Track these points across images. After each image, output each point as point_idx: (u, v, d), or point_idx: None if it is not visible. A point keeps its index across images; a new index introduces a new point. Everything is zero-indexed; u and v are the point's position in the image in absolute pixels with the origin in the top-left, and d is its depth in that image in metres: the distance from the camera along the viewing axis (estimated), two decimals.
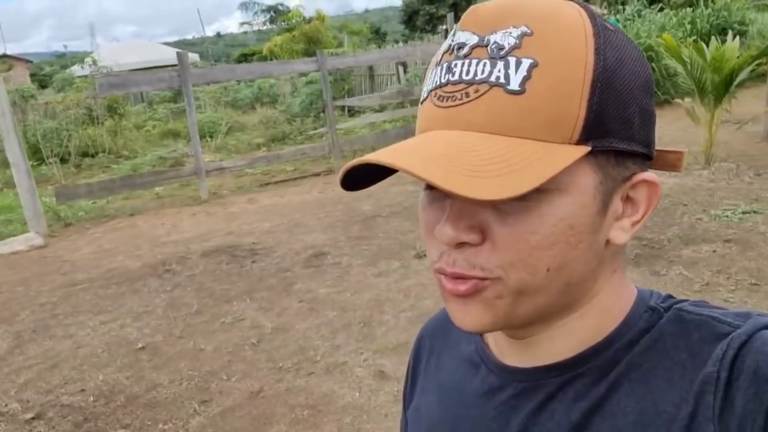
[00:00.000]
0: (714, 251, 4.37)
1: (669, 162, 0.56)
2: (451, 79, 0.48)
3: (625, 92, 0.48)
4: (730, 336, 0.47)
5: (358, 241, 5.62)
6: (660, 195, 0.52)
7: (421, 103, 0.52)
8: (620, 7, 16.50)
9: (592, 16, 0.48)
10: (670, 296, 0.56)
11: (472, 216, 0.48)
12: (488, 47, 0.47)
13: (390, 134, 9.71)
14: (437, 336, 0.72)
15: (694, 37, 8.23)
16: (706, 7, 13.60)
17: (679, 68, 6.29)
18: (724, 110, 6.39)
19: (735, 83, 6.16)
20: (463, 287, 0.50)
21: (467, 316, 0.51)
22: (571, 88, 0.46)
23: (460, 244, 0.49)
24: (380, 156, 0.45)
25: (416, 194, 5.78)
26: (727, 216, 5.00)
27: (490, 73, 0.46)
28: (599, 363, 0.53)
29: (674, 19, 13.46)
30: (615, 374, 0.52)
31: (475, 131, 0.46)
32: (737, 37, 6.46)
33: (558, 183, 0.46)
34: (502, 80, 0.46)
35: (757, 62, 6.09)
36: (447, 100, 0.48)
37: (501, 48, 0.46)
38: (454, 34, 0.50)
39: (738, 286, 3.78)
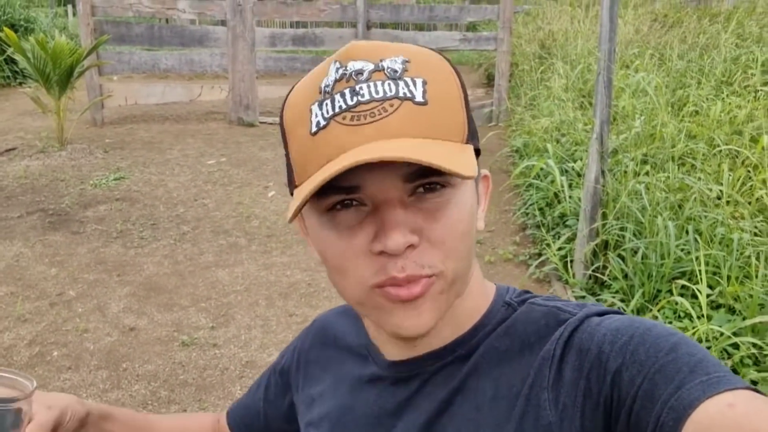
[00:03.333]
0: (111, 209, 5.44)
1: None
2: (361, 99, 0.52)
3: (468, 103, 0.58)
4: (567, 321, 0.57)
5: None
6: (490, 186, 0.63)
7: (315, 134, 0.53)
8: None
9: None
10: (525, 292, 0.64)
11: (406, 222, 0.52)
12: (384, 71, 0.53)
13: None
14: (315, 348, 0.78)
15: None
16: None
17: (23, 60, 6.83)
18: (68, 98, 7.34)
19: (74, 75, 7.20)
20: (417, 289, 0.53)
21: (420, 319, 0.54)
22: (455, 99, 0.55)
23: (407, 249, 0.52)
24: (376, 154, 0.48)
25: None
26: (104, 183, 6.11)
27: (397, 90, 0.52)
28: (464, 351, 0.60)
29: None
30: (475, 359, 0.59)
31: (406, 137, 0.51)
32: (62, 35, 7.46)
33: (459, 180, 0.54)
34: (408, 95, 0.52)
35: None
36: (364, 118, 0.51)
37: (395, 71, 0.53)
38: (342, 65, 0.54)
39: (138, 226, 5.00)
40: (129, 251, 4.55)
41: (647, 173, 3.49)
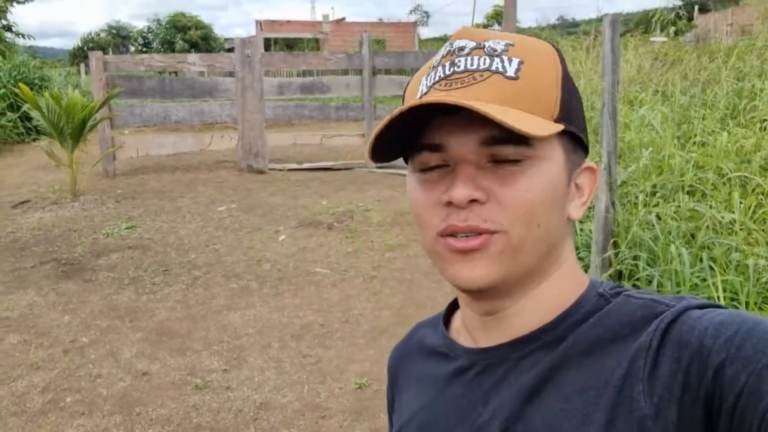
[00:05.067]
0: (123, 256, 5.47)
1: None
2: (456, 70, 0.58)
3: (577, 95, 0.62)
4: (664, 313, 0.55)
5: None
6: (599, 180, 0.62)
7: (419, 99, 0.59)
8: None
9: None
10: (618, 285, 0.63)
11: (477, 180, 0.57)
12: (485, 48, 0.59)
13: None
14: (404, 358, 0.79)
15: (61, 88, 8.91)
16: (7, 61, 14.20)
17: (37, 115, 7.00)
18: (81, 151, 7.48)
19: (87, 128, 7.36)
20: (475, 242, 0.57)
21: (473, 272, 0.58)
22: (550, 79, 0.59)
23: (470, 203, 0.56)
24: (443, 99, 0.55)
25: None
26: (116, 232, 6.16)
27: (491, 64, 0.58)
28: (551, 338, 0.60)
29: None
30: (564, 347, 0.59)
31: (489, 103, 0.55)
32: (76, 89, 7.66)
33: (543, 151, 0.58)
34: (500, 69, 0.57)
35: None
36: (455, 83, 0.58)
37: (494, 50, 0.59)
38: (450, 44, 0.61)
39: (150, 273, 5.02)
40: (141, 297, 4.55)
41: (657, 204, 3.49)
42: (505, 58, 0.58)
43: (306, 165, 9.32)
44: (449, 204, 0.57)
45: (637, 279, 3.18)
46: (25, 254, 5.61)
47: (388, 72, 9.19)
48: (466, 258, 0.58)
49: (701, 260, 2.98)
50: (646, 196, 3.61)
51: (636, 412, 0.52)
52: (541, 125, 0.56)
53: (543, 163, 0.58)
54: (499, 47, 0.59)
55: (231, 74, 9.53)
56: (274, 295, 4.54)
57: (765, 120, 4.64)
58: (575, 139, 0.61)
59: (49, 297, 4.59)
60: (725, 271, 2.83)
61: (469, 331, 0.68)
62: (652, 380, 0.52)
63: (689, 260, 2.97)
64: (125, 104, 8.83)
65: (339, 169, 9.20)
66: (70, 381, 3.39)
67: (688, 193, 3.69)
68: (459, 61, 0.59)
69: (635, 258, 3.26)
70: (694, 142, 4.49)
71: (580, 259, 3.94)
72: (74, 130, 7.15)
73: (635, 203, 3.56)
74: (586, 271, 3.69)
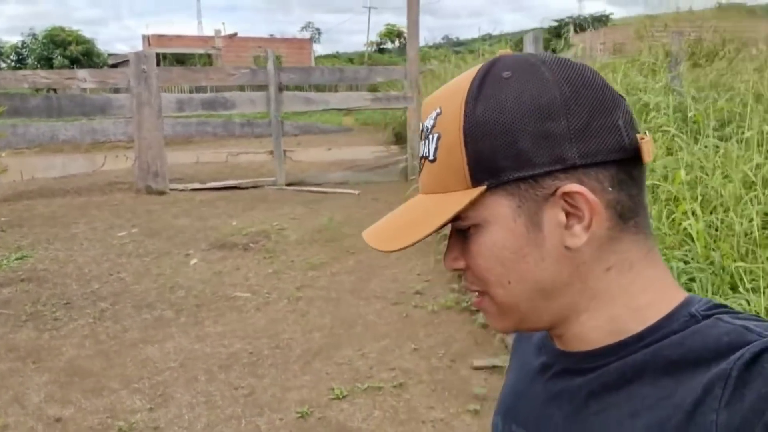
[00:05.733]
0: (17, 290, 4.97)
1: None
2: (419, 156, 0.63)
3: (507, 131, 0.56)
4: (753, 342, 0.50)
5: None
6: (594, 199, 0.56)
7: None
8: None
9: (485, 72, 0.58)
10: (719, 306, 0.58)
11: (454, 250, 0.62)
12: (423, 131, 0.61)
13: None
14: (520, 338, 0.82)
15: None
16: None
17: None
18: None
19: None
20: (475, 301, 0.64)
21: (489, 321, 0.65)
22: (454, 147, 0.57)
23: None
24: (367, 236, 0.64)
25: None
26: (5, 264, 5.59)
27: (424, 150, 0.61)
28: (626, 353, 0.58)
29: None
30: (641, 362, 0.56)
31: (422, 194, 0.63)
32: None
33: (480, 218, 0.58)
34: (427, 154, 0.60)
35: None
36: (419, 172, 0.64)
37: (427, 129, 0.61)
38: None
39: (50, 307, 4.59)
40: (43, 335, 4.14)
41: None
42: (431, 137, 0.60)
43: (210, 184, 8.97)
44: None
45: None
46: None
47: (297, 88, 9.07)
48: (482, 311, 0.65)
49: None
50: None
51: None
52: (440, 212, 0.58)
53: (485, 228, 0.59)
54: (430, 123, 0.60)
55: (117, 90, 9.02)
56: (194, 324, 4.28)
57: (659, 130, 4.99)
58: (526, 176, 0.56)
59: None
60: None
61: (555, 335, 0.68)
62: (730, 412, 0.48)
63: None
64: (6, 124, 8.08)
65: (246, 188, 8.92)
66: None
67: None
68: (420, 145, 0.63)
69: None
70: None
71: None
72: None
73: None
74: None
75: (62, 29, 34.83)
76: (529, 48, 3.26)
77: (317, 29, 64.11)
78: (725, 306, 0.58)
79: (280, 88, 8.66)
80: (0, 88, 8.22)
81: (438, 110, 0.59)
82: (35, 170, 8.58)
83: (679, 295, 0.60)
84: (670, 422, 0.52)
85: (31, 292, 4.93)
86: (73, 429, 3.04)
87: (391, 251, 0.60)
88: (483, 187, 0.56)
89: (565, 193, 0.56)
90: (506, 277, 0.59)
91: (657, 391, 0.54)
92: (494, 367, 3.40)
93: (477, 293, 0.63)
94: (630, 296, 0.59)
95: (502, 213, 0.57)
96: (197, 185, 8.93)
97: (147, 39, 28.59)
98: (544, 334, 0.69)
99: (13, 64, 39.13)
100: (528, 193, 0.56)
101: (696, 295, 0.61)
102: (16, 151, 8.78)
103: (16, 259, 5.73)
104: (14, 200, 8.33)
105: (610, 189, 0.56)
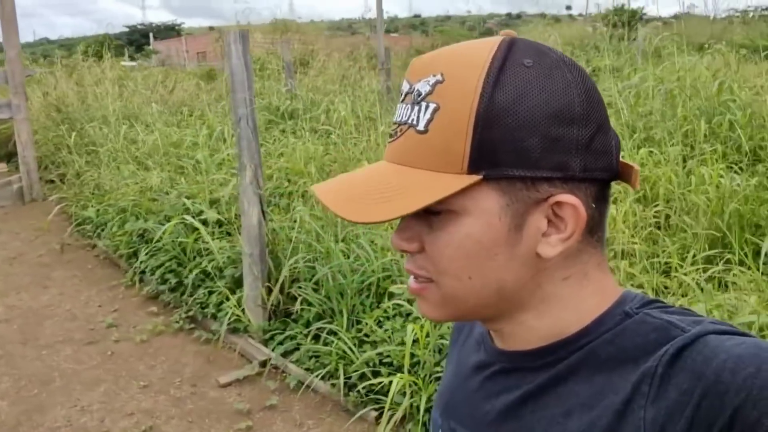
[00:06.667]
0: None
1: (627, 176, 0.58)
2: (395, 119, 0.58)
3: (521, 126, 0.52)
4: (676, 338, 0.51)
5: None
6: (584, 214, 0.55)
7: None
8: None
9: (505, 54, 0.54)
10: (653, 301, 0.59)
11: (412, 229, 0.58)
12: (413, 94, 0.56)
13: None
14: (464, 327, 0.80)
15: None
16: None
17: None
18: None
19: None
20: (416, 287, 0.60)
21: (422, 308, 0.62)
22: (458, 126, 0.52)
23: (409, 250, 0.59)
24: (319, 190, 0.59)
25: None
26: None
27: (410, 116, 0.55)
28: (564, 353, 0.58)
29: None
30: (575, 361, 0.57)
31: (393, 162, 0.57)
32: None
33: (460, 206, 0.54)
34: (414, 122, 0.55)
35: None
36: (391, 137, 0.58)
37: (420, 94, 0.55)
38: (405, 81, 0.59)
39: None
40: None
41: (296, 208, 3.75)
42: (423, 105, 0.55)
43: None
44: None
45: (308, 280, 3.38)
46: None
47: None
48: (418, 297, 0.61)
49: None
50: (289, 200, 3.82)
51: None
52: (411, 194, 0.54)
53: (462, 217, 0.55)
54: (425, 89, 0.55)
55: None
56: None
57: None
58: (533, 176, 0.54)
59: None
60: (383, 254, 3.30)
61: (492, 332, 0.67)
62: (655, 408, 0.50)
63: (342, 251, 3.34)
64: None
65: None
66: None
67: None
68: (398, 108, 0.58)
69: (297, 262, 3.44)
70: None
71: (222, 278, 3.86)
72: None
73: (282, 208, 3.72)
74: (237, 289, 3.66)
75: None
76: (235, 47, 3.19)
77: None
78: (658, 300, 0.60)
79: None
80: None
81: (439, 77, 0.54)
82: None
83: (612, 294, 0.60)
84: (602, 420, 0.53)
85: None
86: None
87: (365, 223, 0.56)
88: (479, 177, 0.53)
89: (557, 203, 0.55)
90: (467, 271, 0.56)
91: (590, 389, 0.55)
92: (244, 378, 3.26)
93: (420, 279, 0.59)
94: (579, 301, 0.59)
95: (487, 207, 0.54)
96: None
97: None
98: (484, 330, 0.68)
99: None
100: (521, 193, 0.54)
101: (632, 291, 0.62)
102: None
103: None
104: None
105: (593, 205, 0.56)
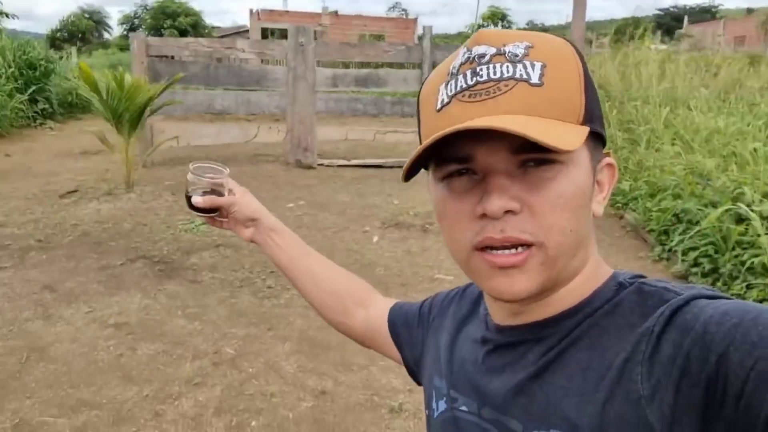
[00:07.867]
0: (217, 255, 5.05)
1: None
2: (479, 80, 0.57)
3: (595, 91, 0.61)
4: (671, 300, 0.56)
5: None
6: (617, 177, 0.64)
7: (439, 110, 0.60)
8: None
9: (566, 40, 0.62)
10: (639, 275, 0.63)
11: (509, 190, 0.57)
12: (506, 54, 0.58)
13: None
14: (446, 305, 0.84)
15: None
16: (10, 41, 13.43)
17: (94, 98, 6.49)
18: (137, 138, 6.98)
19: (147, 114, 6.86)
20: (516, 258, 0.57)
21: (515, 285, 0.58)
22: (573, 82, 0.58)
23: (506, 213, 0.57)
24: (476, 123, 0.54)
25: None
26: (194, 228, 5.72)
27: (514, 72, 0.57)
28: (568, 323, 0.61)
29: None
30: (578, 332, 0.60)
31: (517, 114, 0.55)
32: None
33: (570, 156, 0.57)
34: (524, 77, 0.56)
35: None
36: (479, 95, 0.57)
37: (516, 55, 0.57)
38: (469, 50, 0.60)
39: (258, 273, 4.62)
40: (263, 302, 4.16)
41: None
42: (527, 62, 0.57)
43: (354, 162, 8.94)
44: (483, 216, 0.58)
45: None
46: (104, 250, 5.14)
47: None
48: (506, 273, 0.58)
49: None
50: None
51: (633, 393, 0.54)
52: (569, 134, 0.55)
53: (571, 168, 0.58)
54: (520, 51, 0.58)
55: (282, 63, 9.03)
56: None
57: None
58: (596, 136, 0.61)
59: (160, 299, 4.17)
60: None
61: (492, 310, 0.71)
62: (651, 363, 0.53)
63: None
64: (168, 90, 8.28)
65: (391, 167, 8.84)
66: (243, 400, 3.00)
67: None
68: (481, 70, 0.58)
69: None
70: None
71: None
72: (133, 115, 6.66)
73: None
74: None
75: (172, 0, 36.04)
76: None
77: (404, 10, 63.51)
78: (644, 276, 0.63)
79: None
80: (164, 54, 8.46)
81: (528, 43, 0.58)
82: (191, 137, 8.80)
83: (607, 270, 0.65)
84: (604, 381, 0.56)
85: (231, 258, 5.00)
86: (342, 404, 3.00)
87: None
88: (588, 128, 0.58)
89: (607, 165, 0.64)
90: (571, 223, 0.58)
91: (592, 354, 0.58)
92: None
93: (520, 248, 0.57)
94: (595, 270, 0.64)
95: (583, 159, 0.59)
96: (342, 162, 8.92)
97: (256, 13, 29.08)
98: (485, 310, 0.72)
99: (125, 32, 40.94)
100: (597, 150, 0.62)
101: (619, 269, 0.66)
102: (177, 117, 9.00)
103: (202, 224, 5.85)
104: (169, 165, 8.57)
105: None
